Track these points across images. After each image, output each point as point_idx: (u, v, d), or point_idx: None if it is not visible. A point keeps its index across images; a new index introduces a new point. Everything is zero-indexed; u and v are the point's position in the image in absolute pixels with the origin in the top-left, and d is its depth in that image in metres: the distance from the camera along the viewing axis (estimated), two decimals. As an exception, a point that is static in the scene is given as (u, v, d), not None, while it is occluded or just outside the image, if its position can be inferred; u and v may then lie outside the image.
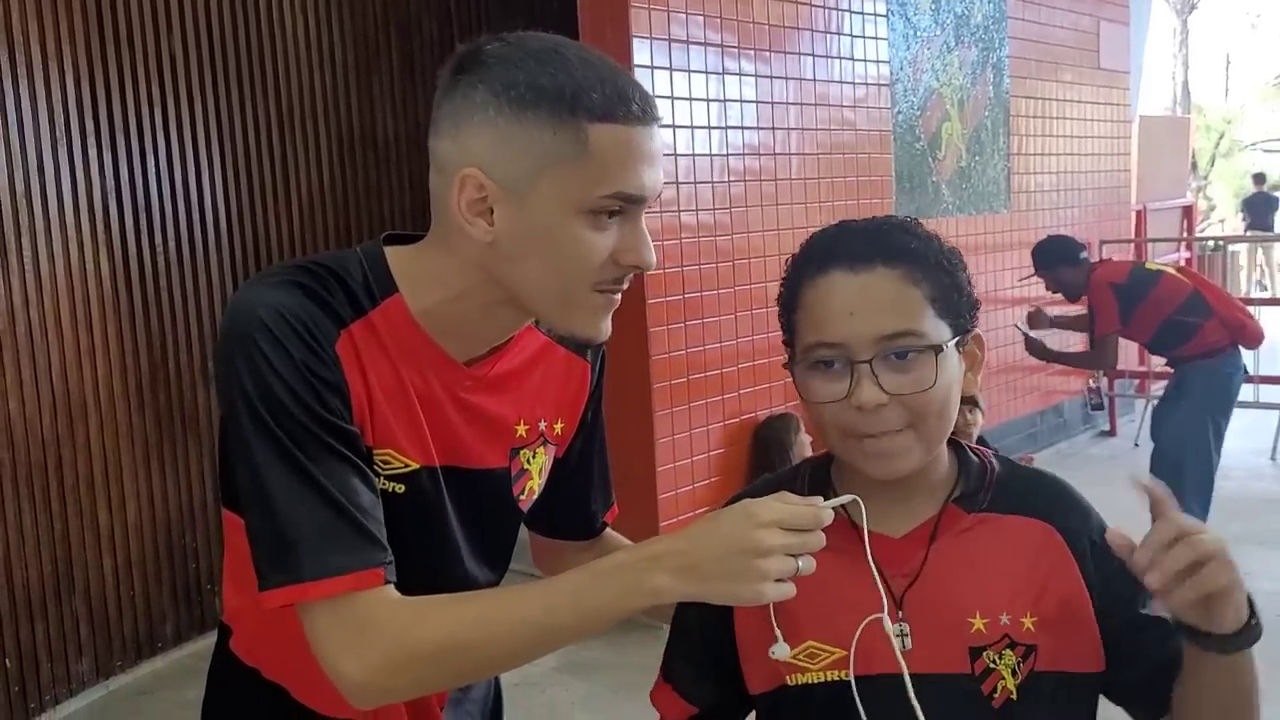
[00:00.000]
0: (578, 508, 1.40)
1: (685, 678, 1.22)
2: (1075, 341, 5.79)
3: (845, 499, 1.04)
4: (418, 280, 1.12)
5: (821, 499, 1.01)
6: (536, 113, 1.02)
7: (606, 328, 1.13)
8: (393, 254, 1.14)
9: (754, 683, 1.18)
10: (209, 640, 4.19)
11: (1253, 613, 1.04)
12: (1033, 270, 4.87)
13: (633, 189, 1.05)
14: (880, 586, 1.07)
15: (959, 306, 1.11)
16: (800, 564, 0.98)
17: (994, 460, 1.20)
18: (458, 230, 1.08)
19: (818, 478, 1.20)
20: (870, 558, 1.07)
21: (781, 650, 1.05)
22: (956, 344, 1.11)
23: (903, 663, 1.06)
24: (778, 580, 0.97)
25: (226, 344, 1.05)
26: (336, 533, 1.02)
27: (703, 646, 1.20)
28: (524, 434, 1.24)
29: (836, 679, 1.11)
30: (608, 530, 1.45)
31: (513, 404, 1.22)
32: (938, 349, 1.07)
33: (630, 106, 1.04)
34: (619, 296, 1.12)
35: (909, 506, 1.15)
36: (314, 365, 1.04)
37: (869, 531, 1.08)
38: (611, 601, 1.01)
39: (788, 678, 1.13)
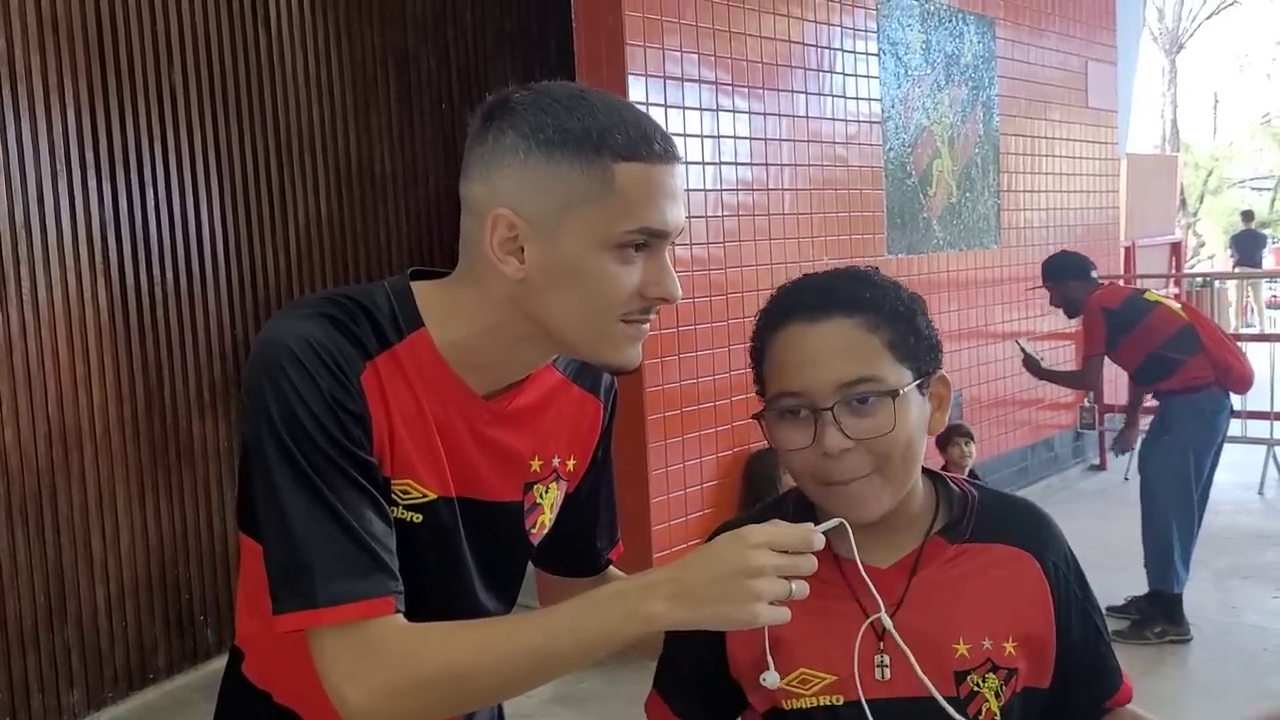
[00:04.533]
0: (584, 545, 1.42)
1: (677, 694, 1.25)
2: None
3: (833, 523, 1.08)
4: (444, 315, 1.15)
5: (812, 524, 1.04)
6: (564, 153, 1.07)
7: (637, 355, 1.16)
8: (419, 289, 1.17)
9: (755, 701, 1.22)
10: (201, 672, 4.21)
11: None
12: (1040, 282, 4.92)
13: (656, 223, 1.09)
14: (873, 592, 1.10)
15: (918, 351, 1.15)
16: (793, 587, 1.00)
17: (974, 490, 1.24)
18: (489, 268, 1.11)
19: (803, 507, 1.23)
20: (862, 571, 1.10)
21: (771, 679, 1.08)
22: (919, 386, 1.15)
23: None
24: (772, 604, 0.99)
25: (255, 372, 1.09)
26: (351, 560, 1.05)
27: (697, 668, 1.23)
28: (538, 469, 1.26)
29: (830, 704, 1.15)
30: (611, 568, 1.47)
31: (528, 439, 1.24)
32: (894, 394, 1.11)
33: (653, 146, 1.09)
34: (648, 326, 1.15)
35: (892, 538, 1.19)
36: (340, 395, 1.07)
37: (857, 559, 1.11)
38: (609, 628, 1.03)
39: (783, 702, 1.17)
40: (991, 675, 1.16)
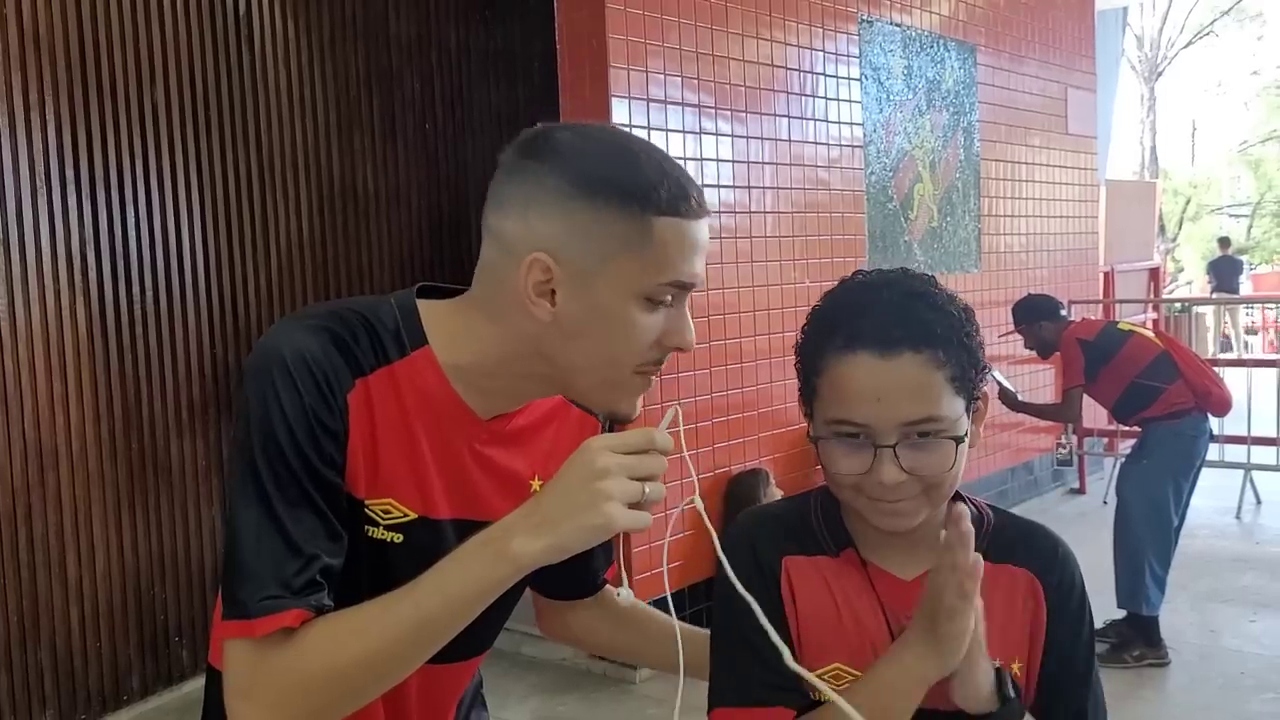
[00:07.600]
0: (580, 567, 1.41)
1: (773, 687, 1.18)
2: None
3: (670, 414, 1.10)
4: (452, 337, 1.16)
5: (655, 429, 1.05)
6: (608, 202, 1.08)
7: (638, 407, 1.20)
8: (427, 307, 1.18)
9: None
10: (175, 693, 4.17)
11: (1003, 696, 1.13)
12: (1012, 327, 4.95)
13: (687, 277, 1.12)
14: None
15: (975, 381, 1.17)
16: (647, 489, 1.01)
17: (989, 511, 1.27)
18: (516, 307, 1.12)
19: (829, 513, 1.24)
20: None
21: (626, 595, 1.15)
22: (967, 409, 1.16)
23: (817, 682, 1.10)
24: (631, 509, 1.00)
25: (247, 376, 1.10)
26: (281, 576, 1.04)
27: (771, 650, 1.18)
28: (537, 489, 1.25)
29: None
30: (608, 586, 1.46)
31: (527, 459, 1.24)
32: (958, 439, 1.13)
33: (690, 202, 1.11)
34: (653, 379, 1.18)
35: (914, 552, 1.21)
36: (320, 412, 1.08)
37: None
38: (476, 578, 1.03)
39: (811, 693, 1.17)
40: None
